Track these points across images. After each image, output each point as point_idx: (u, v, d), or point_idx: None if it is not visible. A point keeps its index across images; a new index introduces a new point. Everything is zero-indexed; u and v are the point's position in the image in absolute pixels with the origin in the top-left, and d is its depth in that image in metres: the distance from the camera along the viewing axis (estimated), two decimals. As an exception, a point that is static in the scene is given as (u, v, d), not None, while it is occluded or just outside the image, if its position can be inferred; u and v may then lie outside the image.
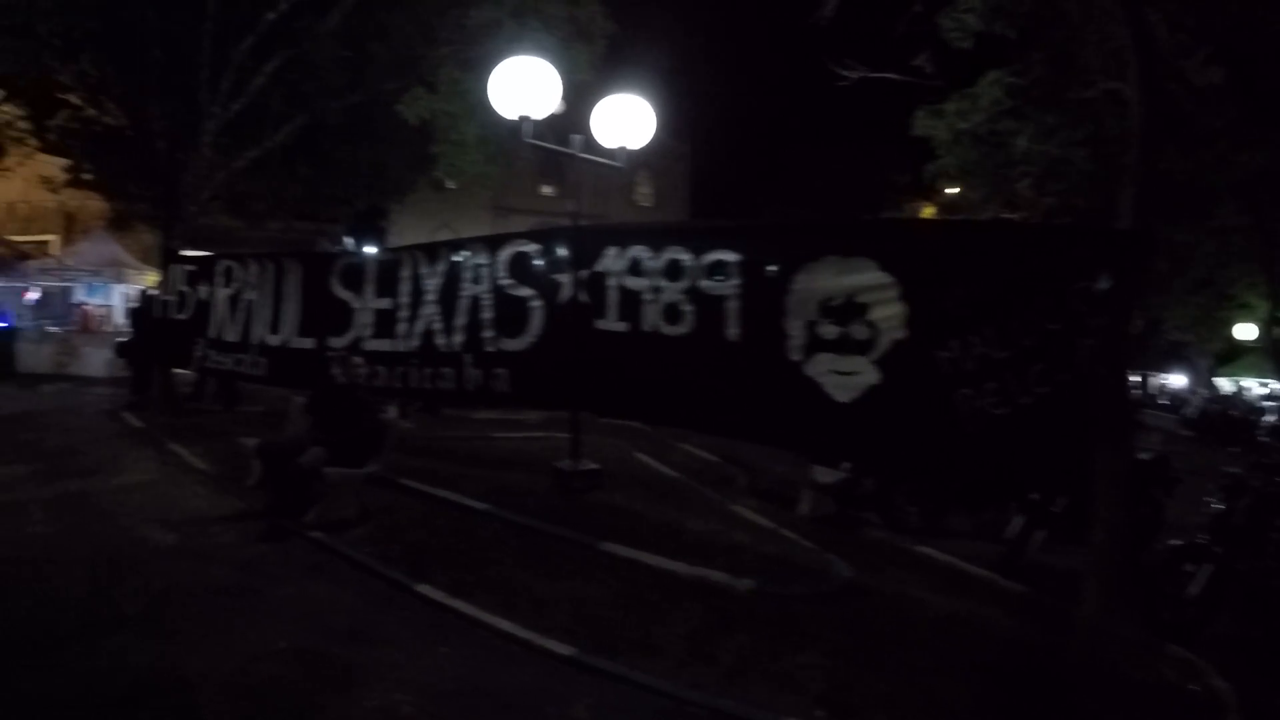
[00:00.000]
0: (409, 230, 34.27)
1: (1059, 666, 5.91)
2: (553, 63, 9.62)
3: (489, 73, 14.25)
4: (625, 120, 10.17)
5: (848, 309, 6.90)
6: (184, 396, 15.28)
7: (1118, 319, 6.24)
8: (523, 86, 9.30)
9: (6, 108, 20.59)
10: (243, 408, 14.99)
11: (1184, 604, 6.92)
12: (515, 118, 9.38)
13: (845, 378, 6.89)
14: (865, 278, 6.83)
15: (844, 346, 6.93)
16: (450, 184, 19.37)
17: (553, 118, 9.90)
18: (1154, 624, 6.43)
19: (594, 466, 9.88)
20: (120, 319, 25.61)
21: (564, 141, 10.05)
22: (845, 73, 12.22)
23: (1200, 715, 5.48)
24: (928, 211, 39.27)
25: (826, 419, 7.03)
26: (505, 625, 5.80)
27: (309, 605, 6.20)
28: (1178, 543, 7.35)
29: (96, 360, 21.97)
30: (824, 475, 9.64)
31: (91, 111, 18.79)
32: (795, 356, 7.19)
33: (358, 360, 9.19)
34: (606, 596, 6.46)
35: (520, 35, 13.72)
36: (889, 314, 6.69)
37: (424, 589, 6.47)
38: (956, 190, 36.98)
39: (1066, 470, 6.44)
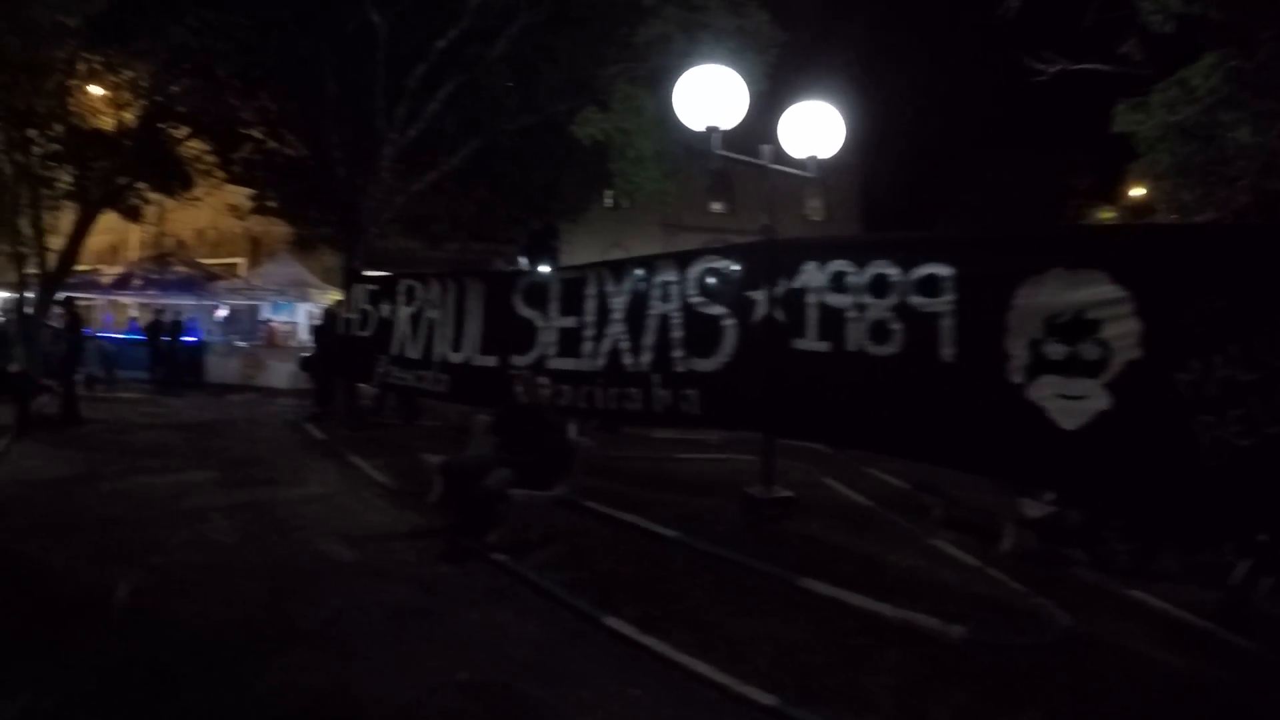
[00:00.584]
0: (581, 249, 34.61)
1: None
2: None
3: (663, 88, 14.28)
4: (814, 128, 9.79)
5: (1076, 326, 6.29)
6: (365, 410, 15.75)
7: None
8: (709, 97, 8.99)
9: (194, 143, 22.06)
10: (422, 422, 15.28)
11: None
12: (702, 129, 9.08)
13: (1072, 402, 6.27)
14: (1096, 292, 6.19)
15: (1071, 368, 6.30)
16: (624, 202, 19.43)
17: (728, 131, 9.63)
18: None
19: (787, 494, 9.36)
20: (304, 335, 26.84)
21: (746, 154, 9.69)
22: (1042, 66, 11.41)
23: None
24: (1108, 216, 37.37)
25: (1049, 447, 6.41)
26: (701, 668, 5.33)
27: (491, 633, 5.96)
28: None
29: (281, 373, 23.11)
30: (1031, 509, 8.80)
31: (272, 144, 20.07)
32: (1017, 379, 6.58)
33: (543, 380, 9.06)
34: (807, 639, 5.93)
35: (691, 49, 13.57)
36: (1122, 331, 6.05)
37: (612, 622, 6.08)
38: (1144, 192, 35.23)
39: None
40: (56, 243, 20.33)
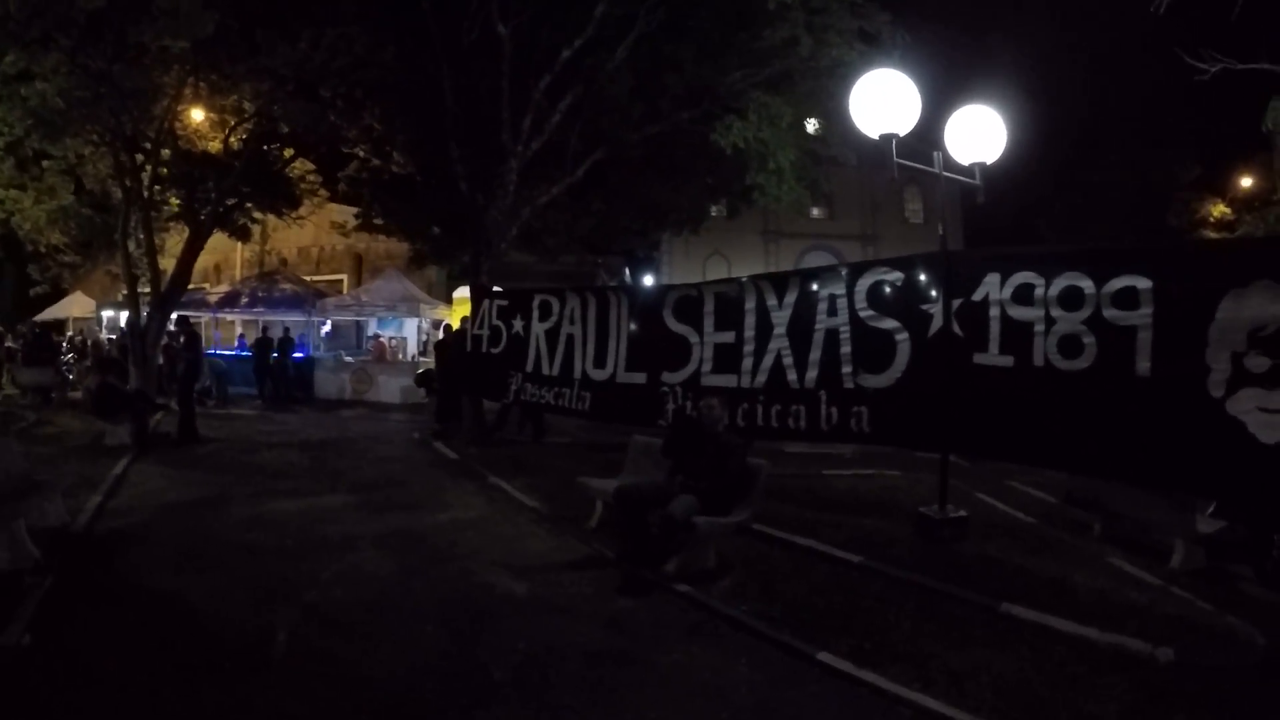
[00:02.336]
0: (680, 260, 34.53)
1: None
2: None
3: (798, 96, 13.84)
4: (977, 133, 9.23)
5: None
6: (490, 426, 15.48)
7: None
8: (883, 103, 8.60)
9: (299, 164, 22.35)
10: (550, 440, 14.96)
11: None
12: (877, 136, 8.69)
13: (1273, 416, 6.05)
14: None
15: (1274, 381, 6.06)
16: (767, 204, 19.16)
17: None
18: None
19: (962, 514, 8.88)
20: (412, 350, 26.82)
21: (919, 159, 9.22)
22: (1204, 66, 10.80)
23: None
24: (1219, 210, 36.02)
25: (1248, 462, 6.18)
26: (931, 703, 5.05)
27: (701, 676, 5.50)
28: None
29: (392, 388, 23.11)
30: (1205, 525, 8.51)
31: (376, 161, 20.17)
32: (1216, 393, 6.30)
33: (713, 401, 8.48)
34: (1024, 668, 5.63)
35: (818, 53, 13.04)
36: None
37: (826, 657, 5.68)
38: (1250, 182, 33.72)
39: None
40: (166, 263, 20.78)
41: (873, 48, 13.68)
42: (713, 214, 20.95)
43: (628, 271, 31.99)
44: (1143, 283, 6.84)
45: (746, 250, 35.58)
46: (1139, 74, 35.62)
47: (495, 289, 14.16)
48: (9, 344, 23.62)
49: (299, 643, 5.71)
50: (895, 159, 8.64)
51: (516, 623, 6.23)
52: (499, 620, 6.27)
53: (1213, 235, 32.67)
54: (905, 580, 7.37)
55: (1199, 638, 6.38)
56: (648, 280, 26.75)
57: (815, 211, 36.26)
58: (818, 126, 14.85)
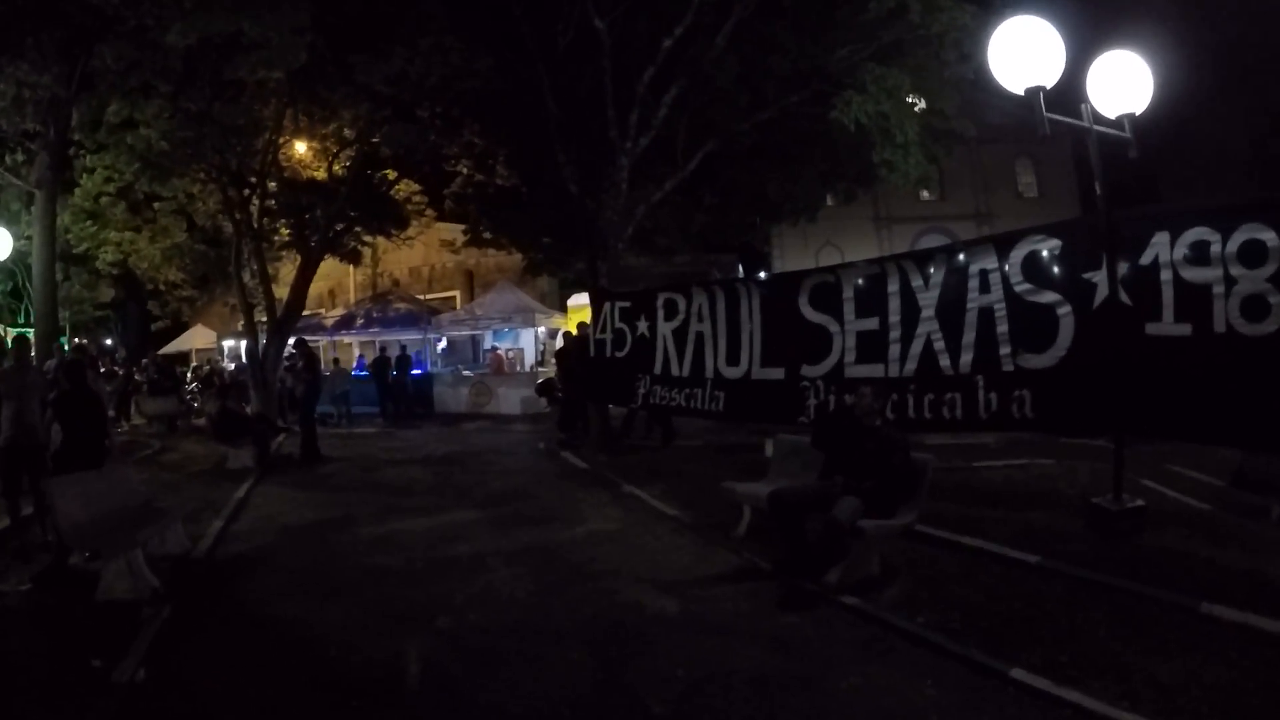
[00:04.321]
0: (792, 253, 33.96)
1: None
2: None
3: (910, 67, 13.03)
4: (1123, 83, 8.34)
5: None
6: (616, 432, 15.13)
7: None
8: (1026, 54, 7.78)
9: (403, 185, 22.53)
10: (680, 443, 14.54)
11: None
12: (1021, 91, 7.83)
13: None
14: None
15: None
16: (832, 200, 18.55)
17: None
18: None
19: (1139, 503, 8.11)
20: (530, 360, 26.75)
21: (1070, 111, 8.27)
22: None
23: None
24: None
25: None
26: None
27: (885, 702, 4.94)
28: None
29: (512, 399, 23.02)
30: None
31: (480, 176, 20.34)
32: None
33: (865, 390, 7.85)
34: (1237, 677, 5.03)
35: (928, 20, 12.34)
36: None
37: (1020, 674, 5.08)
38: None
39: None
40: (280, 292, 21.23)
41: (984, 9, 12.81)
42: (828, 202, 20.27)
43: (740, 268, 31.40)
44: None
45: (859, 238, 34.64)
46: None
47: (616, 291, 13.79)
48: (136, 377, 24.35)
49: (432, 673, 5.39)
50: (1045, 113, 7.74)
51: (670, 646, 5.74)
52: (651, 643, 5.79)
53: None
54: (1090, 581, 6.72)
55: None
56: (760, 276, 26.18)
57: (925, 194, 35.19)
58: (932, 100, 13.99)
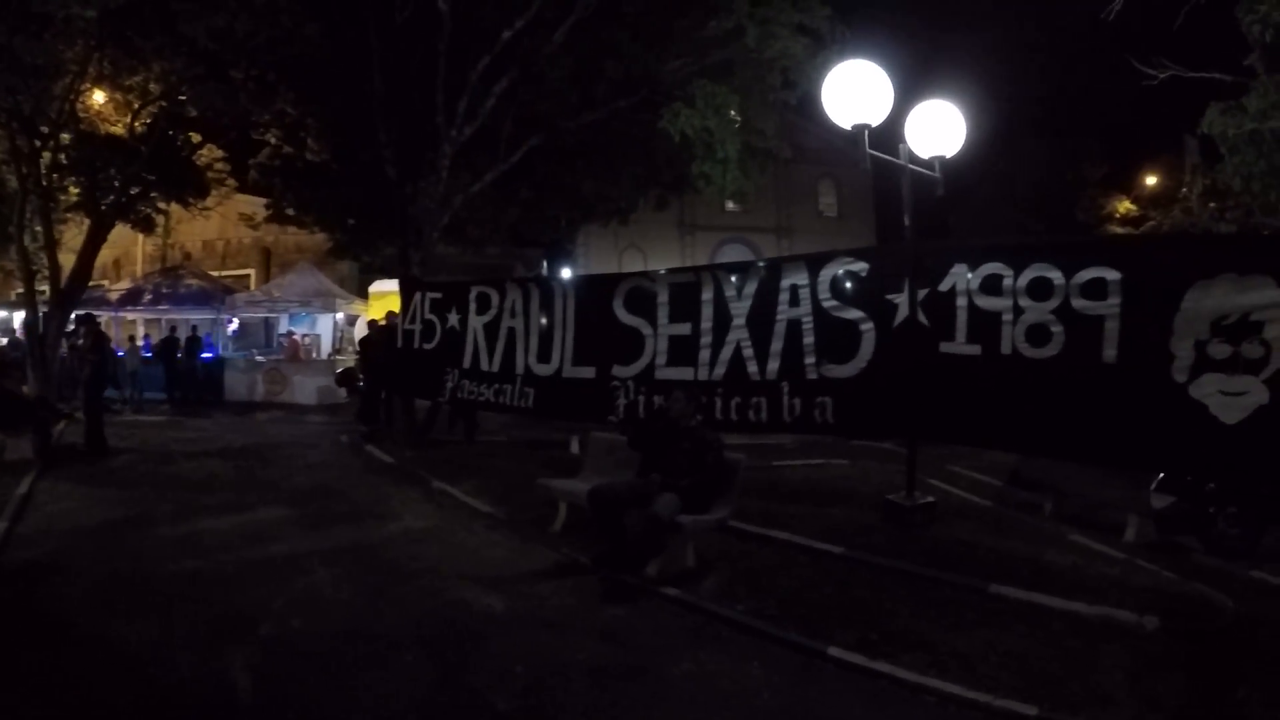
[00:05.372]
0: (596, 252, 34.20)
1: None
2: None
3: (738, 86, 13.58)
4: (938, 128, 9.29)
5: (1241, 327, 6.49)
6: (421, 427, 14.74)
7: None
8: (857, 94, 8.57)
9: (207, 150, 21.24)
10: (485, 439, 14.41)
11: None
12: (849, 127, 8.64)
13: (1233, 398, 6.52)
14: (1263, 295, 6.43)
15: (1234, 366, 6.52)
16: (635, 203, 19.01)
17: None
18: None
19: (930, 500, 9.07)
20: (327, 348, 25.83)
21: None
22: (1152, 72, 11.38)
23: None
24: (1124, 206, 37.51)
25: (1211, 440, 6.67)
26: (953, 688, 5.12)
27: (719, 684, 5.25)
28: None
29: (308, 388, 22.15)
30: (1158, 501, 9.26)
31: (289, 149, 19.31)
32: (1180, 378, 6.73)
33: (680, 395, 8.23)
34: (1028, 645, 5.83)
35: (765, 44, 12.91)
36: None
37: (837, 652, 5.60)
38: (1157, 181, 35.26)
39: None
40: (65, 258, 19.52)
41: (815, 42, 13.54)
42: (639, 207, 20.70)
43: (545, 264, 31.54)
44: (1111, 274, 7.11)
45: (663, 243, 35.45)
46: (1057, 74, 38.17)
47: (428, 282, 13.60)
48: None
49: (265, 686, 5.02)
50: (869, 150, 8.60)
51: (505, 643, 5.78)
52: (485, 641, 5.82)
53: (1119, 230, 34.27)
54: (891, 568, 7.41)
55: (1174, 604, 6.76)
56: (565, 273, 26.36)
57: (731, 205, 36.40)
58: (754, 119, 14.61)
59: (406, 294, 13.49)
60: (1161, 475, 9.08)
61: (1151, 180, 36.74)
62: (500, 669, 5.32)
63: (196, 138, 20.63)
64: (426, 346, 12.81)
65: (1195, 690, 5.36)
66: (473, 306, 12.16)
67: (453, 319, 12.45)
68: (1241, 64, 11.85)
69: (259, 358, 24.97)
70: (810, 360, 8.90)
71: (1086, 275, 7.23)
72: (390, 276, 18.95)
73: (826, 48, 13.73)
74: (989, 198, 37.32)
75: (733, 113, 13.55)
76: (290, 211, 21.27)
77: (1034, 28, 37.79)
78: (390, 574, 7.30)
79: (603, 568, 7.05)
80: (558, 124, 14.79)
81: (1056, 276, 7.38)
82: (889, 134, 9.07)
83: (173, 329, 23.79)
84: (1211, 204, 25.18)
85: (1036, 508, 10.45)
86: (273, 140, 19.74)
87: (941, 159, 9.34)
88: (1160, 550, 8.86)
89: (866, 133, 8.48)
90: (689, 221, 37.03)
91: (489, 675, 5.23)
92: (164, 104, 18.20)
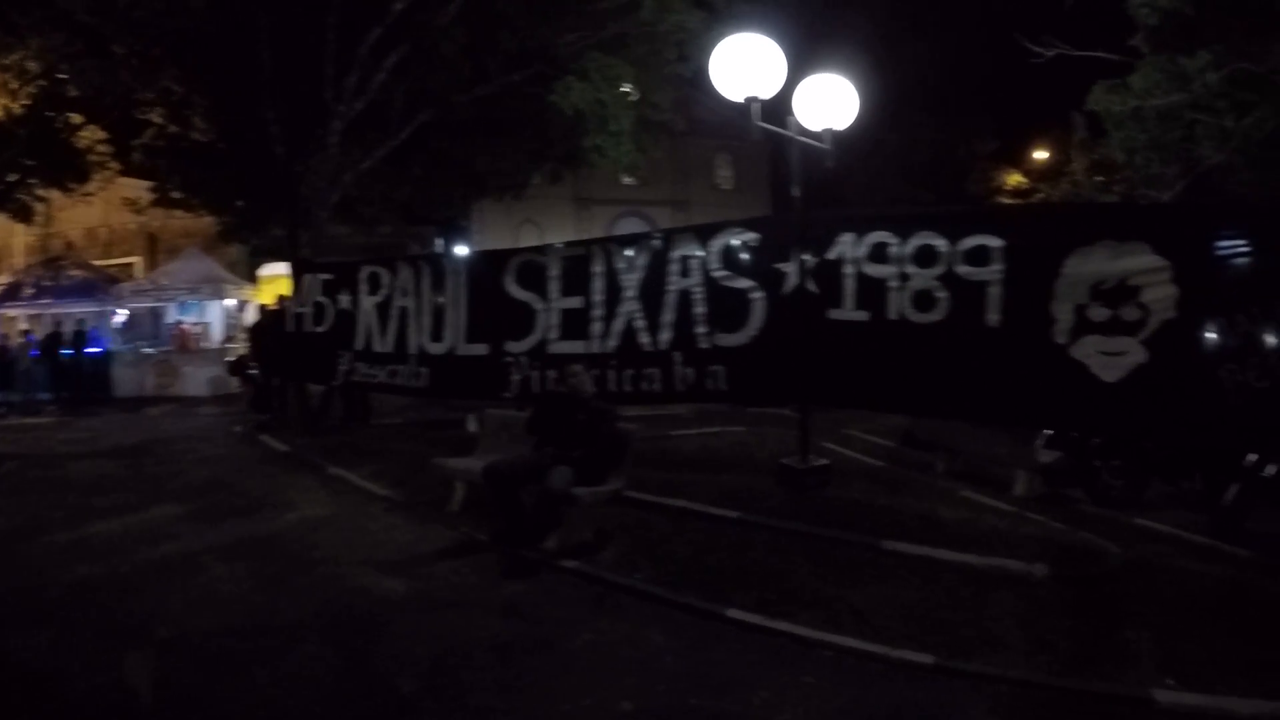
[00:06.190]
0: (492, 228, 33.86)
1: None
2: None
3: (633, 60, 13.54)
4: (829, 100, 9.43)
5: (1119, 292, 6.82)
6: (315, 412, 14.34)
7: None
8: (747, 66, 8.52)
9: (87, 132, 20.33)
10: (381, 421, 14.14)
11: None
12: (741, 100, 8.60)
13: (1113, 358, 6.84)
14: (1139, 261, 6.76)
15: (1113, 328, 6.85)
16: (538, 179, 18.96)
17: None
18: None
19: (824, 462, 9.22)
20: (218, 336, 25.05)
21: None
22: (1040, 50, 11.67)
23: None
24: (1015, 179, 38.75)
25: (1092, 398, 7.00)
26: (851, 642, 5.32)
27: (621, 652, 5.30)
28: None
29: (199, 380, 21.54)
30: (1044, 456, 9.65)
31: (174, 128, 18.43)
32: (1061, 339, 7.04)
33: (576, 368, 8.26)
34: (923, 597, 6.11)
35: (660, 17, 12.80)
36: (1160, 295, 6.68)
37: (736, 614, 5.74)
38: (1046, 155, 36.58)
39: None
40: None
41: (711, 15, 13.58)
42: (534, 181, 20.56)
43: (442, 242, 31.13)
44: (994, 241, 7.37)
45: (559, 218, 35.07)
46: (952, 52, 39.50)
47: (318, 262, 13.27)
48: None
49: (168, 690, 4.83)
50: (758, 122, 8.61)
51: (406, 625, 5.71)
52: (386, 625, 5.73)
53: (1009, 201, 35.41)
54: (787, 530, 7.55)
55: (1062, 553, 7.17)
56: (460, 250, 26.02)
57: (627, 179, 36.33)
58: (649, 93, 14.59)
59: (297, 276, 13.13)
60: (1048, 431, 9.42)
61: (1041, 155, 38.10)
62: (404, 652, 5.26)
63: (77, 119, 19.63)
64: (318, 329, 12.50)
65: (1083, 631, 5.63)
66: (364, 287, 11.90)
67: (344, 300, 12.17)
68: (1125, 44, 12.45)
69: (148, 350, 24.07)
70: (702, 330, 8.98)
71: (970, 243, 7.47)
72: (281, 259, 18.28)
73: (723, 21, 13.78)
74: (884, 171, 38.00)
75: (628, 86, 13.50)
76: (176, 194, 20.13)
77: (928, 5, 38.40)
78: (289, 565, 7.10)
79: (501, 544, 7.02)
80: (450, 98, 14.49)
81: (942, 244, 7.62)
82: (784, 107, 9.12)
83: (57, 324, 22.78)
84: (1098, 177, 26.27)
85: (929, 466, 10.75)
86: (157, 119, 18.66)
87: (831, 131, 9.46)
88: (1049, 503, 9.20)
89: (757, 105, 8.50)
90: (585, 195, 36.66)
91: (393, 659, 5.16)
92: (43, 83, 17.37)
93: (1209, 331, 6.65)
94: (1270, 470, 8.42)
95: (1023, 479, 9.74)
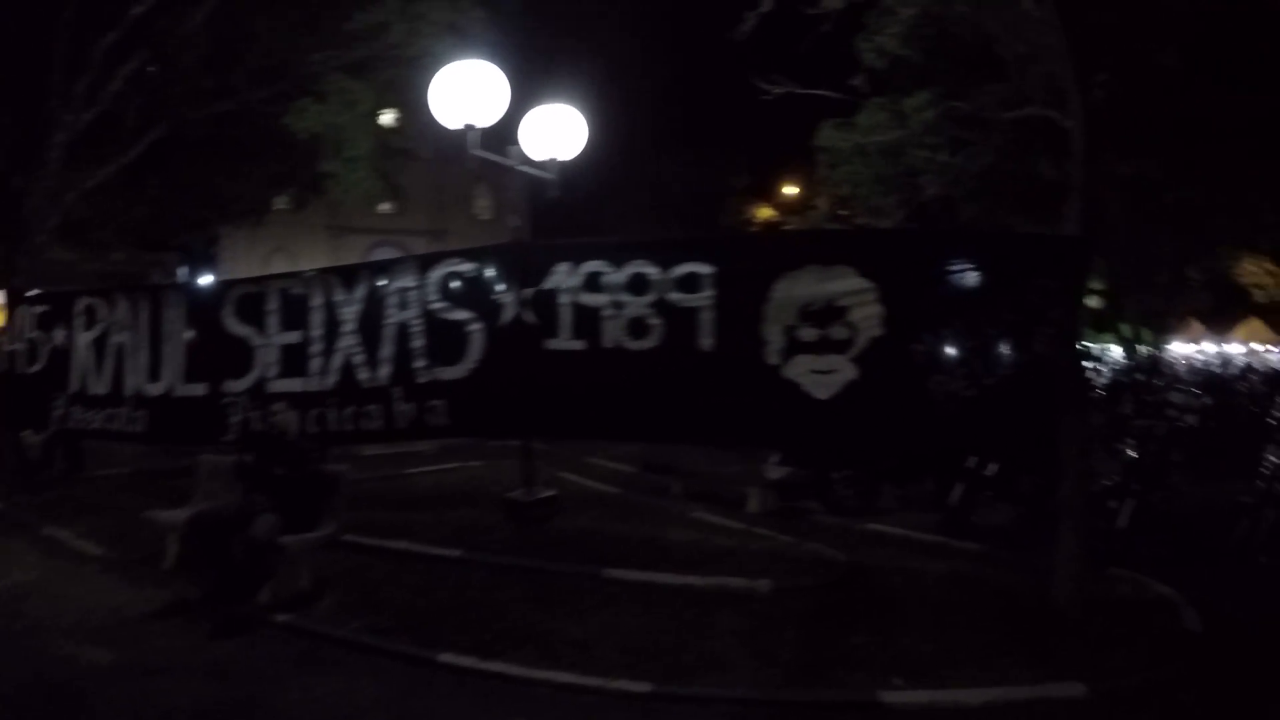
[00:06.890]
0: (242, 256, 32.52)
1: (1048, 597, 6.50)
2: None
3: (378, 83, 13.32)
4: (555, 130, 9.69)
5: (827, 313, 7.21)
6: (35, 464, 12.58)
7: (1068, 310, 6.84)
8: (467, 93, 8.62)
9: None
10: (99, 472, 12.65)
11: (1115, 533, 8.06)
12: (459, 126, 8.68)
13: (824, 376, 7.20)
14: (846, 284, 7.16)
15: (823, 347, 7.22)
16: (283, 204, 18.46)
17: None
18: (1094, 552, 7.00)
19: (551, 493, 9.39)
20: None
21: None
22: (769, 87, 12.32)
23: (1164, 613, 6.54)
24: (766, 213, 40.94)
25: (807, 416, 7.36)
26: (565, 677, 5.43)
27: (328, 707, 5.24)
28: (1107, 483, 8.50)
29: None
30: (773, 472, 10.11)
31: None
32: (773, 360, 7.39)
33: (278, 407, 8.10)
34: (643, 623, 6.28)
35: (410, 42, 12.78)
36: (867, 315, 7.08)
37: (448, 658, 5.77)
38: (796, 190, 38.75)
39: (1030, 437, 7.12)
40: None
41: (462, 41, 13.52)
42: (278, 205, 19.87)
43: (186, 270, 29.59)
44: (705, 269, 7.74)
45: (312, 245, 34.14)
46: (703, 89, 40.70)
47: (33, 293, 12.01)
48: None
49: None
50: (475, 150, 8.73)
51: (108, 697, 5.41)
52: (88, 698, 5.39)
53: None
54: (507, 565, 7.71)
55: (786, 565, 7.57)
56: (207, 279, 24.73)
57: (383, 206, 35.56)
58: (395, 117, 14.40)
59: (11, 308, 11.98)
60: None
61: (790, 189, 40.42)
62: (105, 726, 4.88)
63: None
64: (32, 369, 11.43)
65: (808, 641, 5.93)
66: (79, 321, 11.00)
67: (59, 336, 11.18)
68: (848, 85, 13.18)
69: None
70: (421, 363, 8.92)
71: (682, 270, 7.81)
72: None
73: (476, 48, 13.77)
74: (639, 204, 38.84)
75: (371, 110, 13.26)
76: None
77: (676, 42, 39.97)
78: (-11, 637, 6.49)
79: (213, 601, 6.67)
80: (186, 112, 13.53)
81: (654, 272, 7.92)
82: (513, 136, 9.36)
83: None
84: (842, 211, 28.13)
85: (665, 490, 11.04)
86: None
87: (556, 161, 9.68)
88: (784, 517, 9.62)
89: (475, 133, 8.62)
90: (339, 224, 35.81)
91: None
92: None
93: (917, 346, 7.03)
94: (992, 469, 9.19)
95: (755, 496, 10.17)
